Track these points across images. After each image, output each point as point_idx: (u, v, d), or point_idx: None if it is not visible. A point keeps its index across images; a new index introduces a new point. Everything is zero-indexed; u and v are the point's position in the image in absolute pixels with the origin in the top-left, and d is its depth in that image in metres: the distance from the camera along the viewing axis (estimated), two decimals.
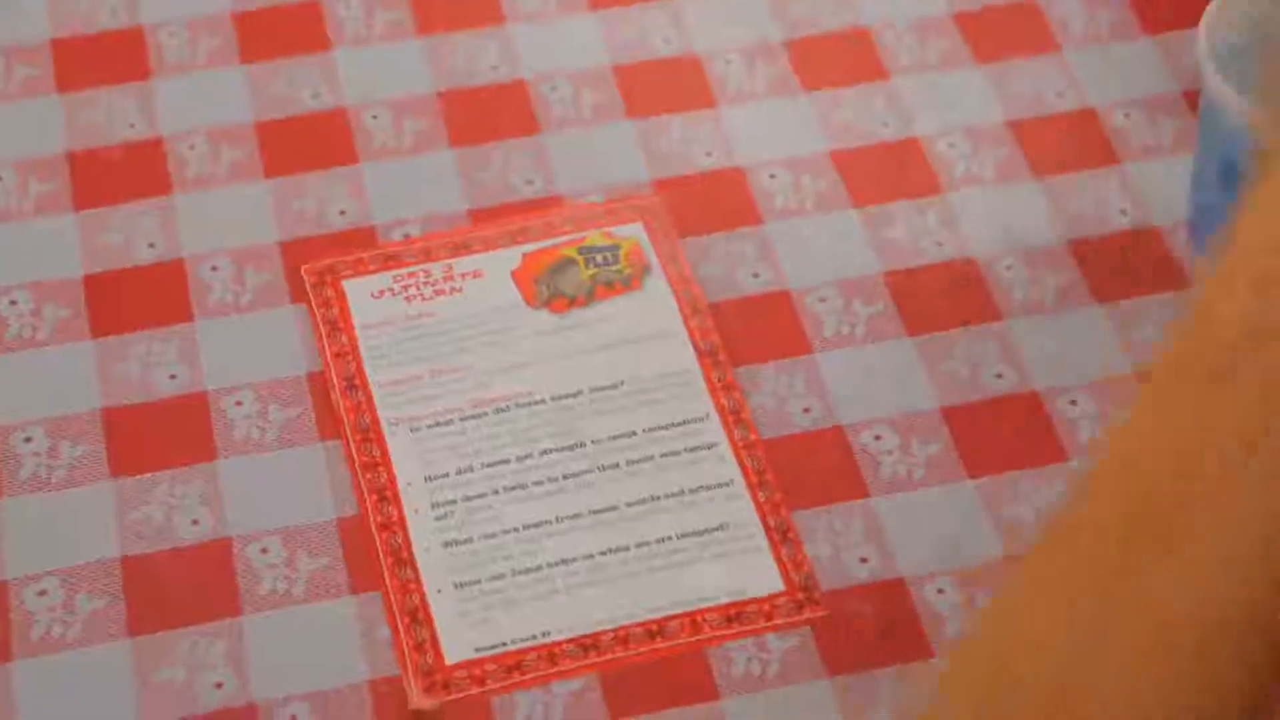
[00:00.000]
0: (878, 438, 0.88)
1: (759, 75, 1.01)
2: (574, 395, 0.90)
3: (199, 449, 0.88)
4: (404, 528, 0.86)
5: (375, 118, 0.99)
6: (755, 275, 0.94)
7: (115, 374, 0.91)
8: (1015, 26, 1.04)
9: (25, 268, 0.94)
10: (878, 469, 0.87)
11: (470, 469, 0.88)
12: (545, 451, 0.88)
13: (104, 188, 0.97)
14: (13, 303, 0.93)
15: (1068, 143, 0.99)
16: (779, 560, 0.85)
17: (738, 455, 0.88)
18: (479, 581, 0.84)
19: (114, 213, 0.97)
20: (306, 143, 0.99)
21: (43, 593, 0.83)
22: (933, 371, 0.91)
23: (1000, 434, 0.89)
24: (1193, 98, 1.01)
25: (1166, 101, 1.01)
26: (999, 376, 0.90)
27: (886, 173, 0.97)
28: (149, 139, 0.99)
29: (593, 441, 0.89)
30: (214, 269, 0.94)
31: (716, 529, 0.86)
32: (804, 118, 0.99)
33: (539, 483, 0.88)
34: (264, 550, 0.85)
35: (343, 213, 0.96)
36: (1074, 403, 0.89)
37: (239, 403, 0.89)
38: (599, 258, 0.95)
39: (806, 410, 0.89)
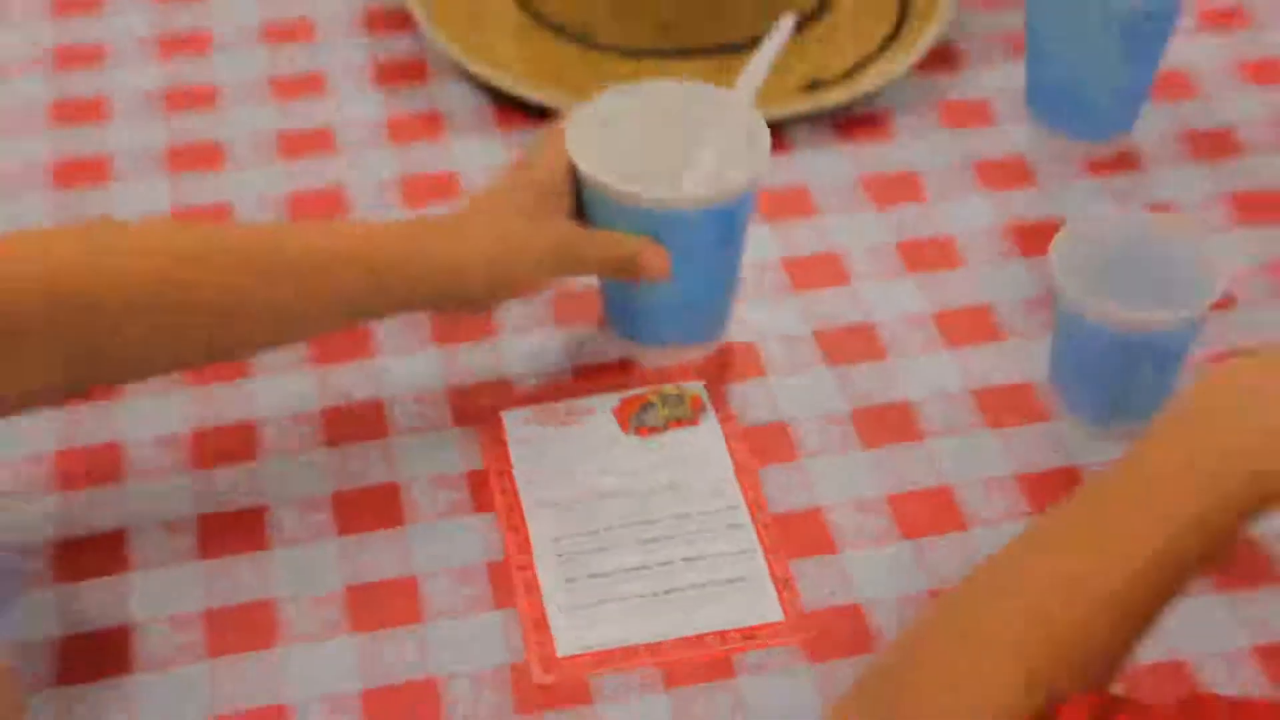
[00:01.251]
0: (845, 515, 1.06)
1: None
2: (651, 491, 1.07)
3: (393, 517, 1.06)
4: (534, 570, 1.03)
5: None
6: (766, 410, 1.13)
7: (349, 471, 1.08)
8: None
9: None
10: (844, 535, 1.05)
11: (581, 534, 1.05)
12: (628, 524, 1.05)
13: None
14: None
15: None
16: (780, 599, 1.02)
17: (756, 530, 1.05)
18: (583, 606, 1.01)
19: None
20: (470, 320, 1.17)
21: None
22: (884, 467, 1.07)
23: (922, 512, 1.05)
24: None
25: (1037, 300, 1.19)
26: (914, 482, 1.08)
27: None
28: None
29: (661, 519, 1.06)
30: (404, 411, 1.13)
31: (740, 580, 1.03)
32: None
33: (624, 544, 1.04)
34: (439, 582, 1.03)
35: (490, 368, 1.14)
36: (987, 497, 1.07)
37: (423, 491, 1.08)
38: (671, 400, 1.12)
39: (800, 499, 1.06)
